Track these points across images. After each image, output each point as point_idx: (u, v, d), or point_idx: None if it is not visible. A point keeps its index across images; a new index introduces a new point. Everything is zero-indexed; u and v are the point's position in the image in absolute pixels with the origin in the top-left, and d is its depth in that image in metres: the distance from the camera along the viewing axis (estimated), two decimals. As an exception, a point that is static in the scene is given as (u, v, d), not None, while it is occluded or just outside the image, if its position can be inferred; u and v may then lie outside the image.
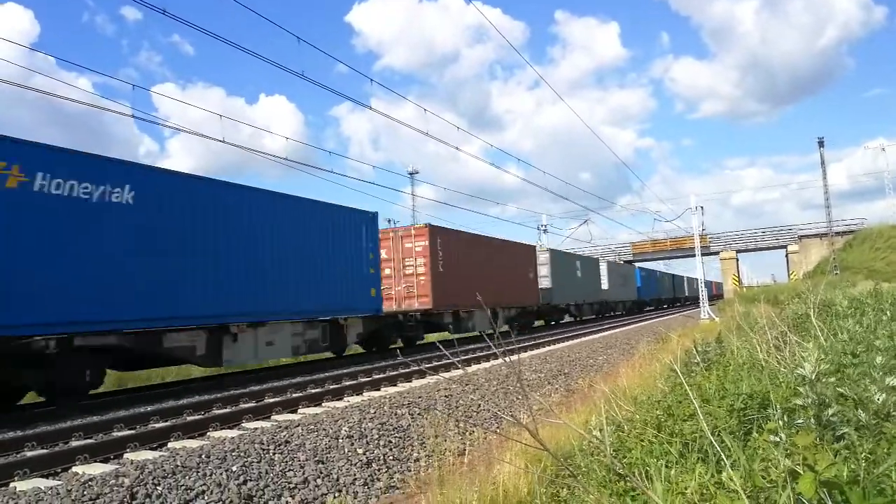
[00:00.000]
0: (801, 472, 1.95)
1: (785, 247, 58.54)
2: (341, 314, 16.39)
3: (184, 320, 12.08)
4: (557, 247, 39.58)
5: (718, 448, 2.48)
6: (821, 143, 47.51)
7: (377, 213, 17.78)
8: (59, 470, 6.71)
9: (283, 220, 14.67)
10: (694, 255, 40.42)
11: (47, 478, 6.44)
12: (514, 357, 3.25)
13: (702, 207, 38.02)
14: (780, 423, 2.69)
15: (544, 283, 30.96)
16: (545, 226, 46.30)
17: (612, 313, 45.71)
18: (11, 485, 6.20)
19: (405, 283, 20.79)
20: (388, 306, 19.84)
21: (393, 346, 19.07)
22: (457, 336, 20.41)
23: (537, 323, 32.74)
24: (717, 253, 60.58)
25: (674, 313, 47.65)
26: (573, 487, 3.92)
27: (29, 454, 7.20)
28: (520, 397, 11.93)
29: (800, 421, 2.92)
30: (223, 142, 14.35)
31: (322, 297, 15.44)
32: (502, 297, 25.35)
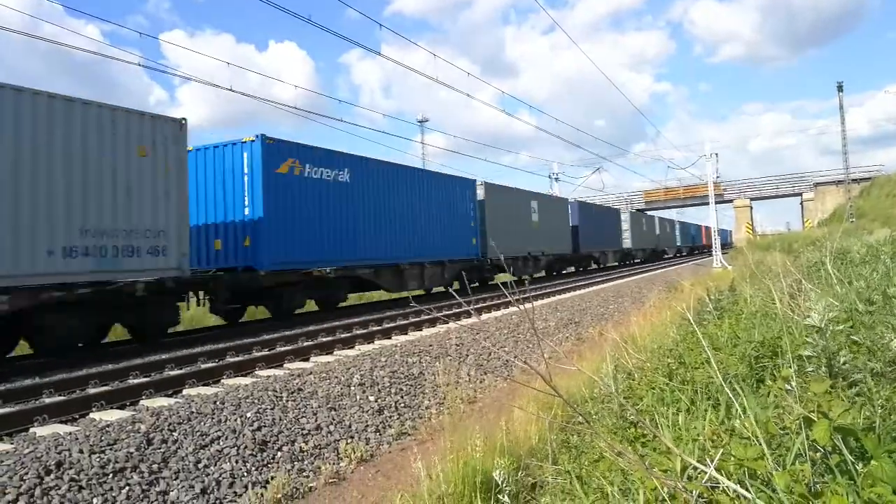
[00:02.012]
0: (815, 419, 1.92)
1: (800, 194, 57.88)
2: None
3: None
4: (569, 196, 39.52)
5: (731, 395, 2.46)
6: (839, 88, 46.33)
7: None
8: (77, 416, 6.85)
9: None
10: (707, 204, 40.06)
11: (66, 423, 6.57)
12: (528, 305, 3.22)
13: (716, 154, 37.52)
14: (793, 370, 2.66)
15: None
16: (557, 174, 45.97)
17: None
18: (31, 430, 6.35)
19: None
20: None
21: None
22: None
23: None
24: (731, 201, 60.06)
25: (687, 262, 47.51)
26: (584, 434, 3.93)
27: (47, 401, 7.34)
28: (531, 345, 12.00)
29: (811, 369, 2.88)
30: (231, 90, 14.24)
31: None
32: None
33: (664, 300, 13.65)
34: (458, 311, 13.98)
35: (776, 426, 2.16)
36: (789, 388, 2.61)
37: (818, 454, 1.94)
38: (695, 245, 72.89)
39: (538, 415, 5.08)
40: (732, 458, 1.94)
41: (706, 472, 1.88)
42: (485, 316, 14.64)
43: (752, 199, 60.36)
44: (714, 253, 37.50)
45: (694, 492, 1.88)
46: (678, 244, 63.97)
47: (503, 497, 3.01)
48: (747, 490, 1.77)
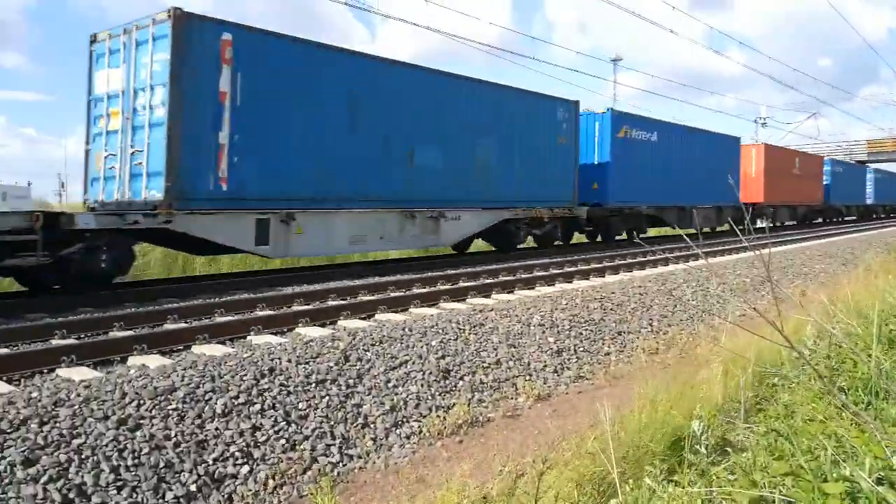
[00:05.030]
0: None
1: None
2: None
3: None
4: (778, 142, 36.81)
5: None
6: None
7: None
8: (286, 330, 7.64)
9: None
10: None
11: (276, 335, 7.36)
12: (764, 251, 3.03)
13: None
14: None
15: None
16: (764, 119, 42.31)
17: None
18: (248, 338, 7.19)
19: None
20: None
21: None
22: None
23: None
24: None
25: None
26: (777, 398, 3.71)
27: (260, 314, 8.24)
28: (720, 301, 11.39)
29: None
30: (428, 28, 14.54)
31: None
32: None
33: (882, 262, 12.25)
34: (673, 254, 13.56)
35: None
36: None
37: None
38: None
39: (726, 373, 4.86)
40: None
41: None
42: (667, 267, 14.06)
43: None
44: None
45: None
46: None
47: (700, 448, 2.95)
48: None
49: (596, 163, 19.54)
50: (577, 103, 18.27)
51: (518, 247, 17.29)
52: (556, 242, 18.85)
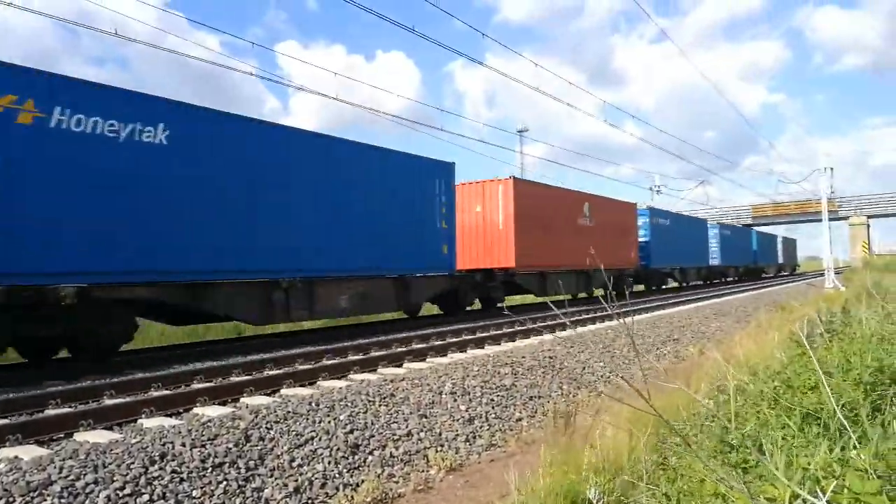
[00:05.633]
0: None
1: (925, 212, 53.72)
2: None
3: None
4: (671, 208, 38.20)
5: (845, 423, 2.27)
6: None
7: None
8: (182, 410, 7.20)
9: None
10: (819, 220, 37.79)
11: (171, 416, 6.92)
12: (628, 319, 3.10)
13: (831, 169, 35.37)
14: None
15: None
16: (659, 186, 44.73)
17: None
18: (139, 421, 6.72)
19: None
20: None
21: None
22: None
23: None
24: (845, 218, 56.49)
25: (795, 281, 44.96)
26: (681, 455, 3.76)
27: (155, 394, 7.76)
28: (627, 361, 11.66)
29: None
30: (336, 99, 14.70)
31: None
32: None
33: (770, 320, 12.95)
34: (551, 322, 13.79)
35: (898, 460, 1.97)
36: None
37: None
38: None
39: (631, 433, 4.91)
40: (847, 492, 1.78)
41: (817, 505, 1.74)
42: (581, 329, 14.35)
43: (869, 217, 56.55)
44: (826, 273, 35.29)
45: (803, 525, 1.74)
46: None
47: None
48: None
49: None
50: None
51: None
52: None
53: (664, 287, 33.81)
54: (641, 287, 31.55)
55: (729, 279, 44.76)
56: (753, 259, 49.67)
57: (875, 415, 3.07)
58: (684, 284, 36.05)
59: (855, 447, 2.22)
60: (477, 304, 20.39)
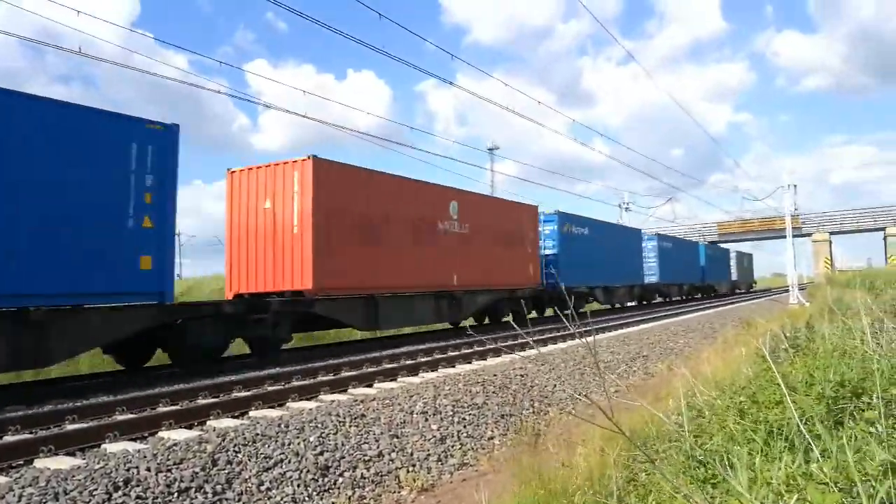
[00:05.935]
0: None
1: (883, 229, 55.15)
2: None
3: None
4: (640, 226, 38.42)
5: (808, 437, 2.32)
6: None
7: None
8: (147, 434, 7.05)
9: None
10: (784, 237, 38.63)
11: (135, 441, 6.77)
12: (590, 338, 3.14)
13: (795, 186, 36.30)
14: (878, 412, 2.49)
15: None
16: (627, 203, 45.29)
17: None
18: (102, 446, 6.56)
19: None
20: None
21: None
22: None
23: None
24: (809, 234, 57.76)
25: (760, 297, 45.74)
26: (650, 472, 3.78)
27: (119, 418, 7.59)
28: (596, 379, 11.72)
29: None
30: (305, 117, 14.71)
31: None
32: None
33: (736, 336, 13.15)
34: (521, 341, 13.82)
35: (858, 472, 2.01)
36: (873, 430, 2.45)
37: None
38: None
39: (602, 450, 4.94)
40: (809, 505, 1.81)
41: (780, 519, 1.77)
42: (550, 347, 14.41)
43: (831, 234, 57.91)
44: (791, 289, 36.01)
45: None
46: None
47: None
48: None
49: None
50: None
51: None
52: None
53: (580, 311, 24.91)
54: (549, 312, 23.53)
55: (675, 298, 39.68)
56: (701, 276, 44.29)
57: (837, 428, 3.13)
58: (610, 307, 30.57)
59: (817, 461, 2.26)
60: (242, 349, 13.87)
